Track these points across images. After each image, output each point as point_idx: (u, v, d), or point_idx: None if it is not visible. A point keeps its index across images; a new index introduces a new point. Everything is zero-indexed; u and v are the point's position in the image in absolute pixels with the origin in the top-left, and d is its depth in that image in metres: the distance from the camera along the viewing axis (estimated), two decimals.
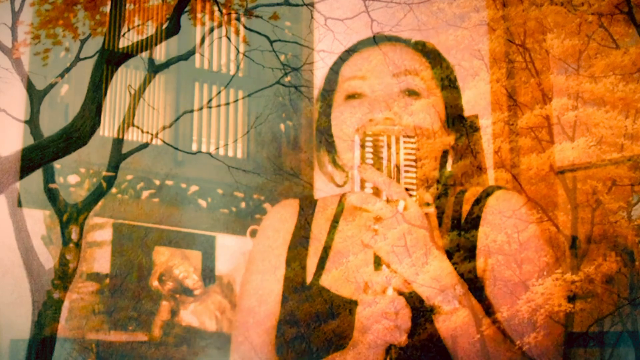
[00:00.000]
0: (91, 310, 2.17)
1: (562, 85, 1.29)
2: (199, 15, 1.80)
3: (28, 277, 1.72)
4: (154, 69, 1.79)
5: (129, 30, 1.73)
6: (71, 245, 1.70)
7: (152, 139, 1.83)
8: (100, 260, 2.23)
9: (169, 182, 2.44)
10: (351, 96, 1.42)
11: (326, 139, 1.48)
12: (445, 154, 1.41)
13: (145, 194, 2.41)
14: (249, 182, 2.37)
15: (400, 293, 1.24)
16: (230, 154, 2.52)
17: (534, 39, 1.34)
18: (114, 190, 2.21)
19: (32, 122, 1.69)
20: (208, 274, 2.43)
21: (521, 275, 1.25)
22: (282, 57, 1.77)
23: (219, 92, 2.40)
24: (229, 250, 2.46)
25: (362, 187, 1.26)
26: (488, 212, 1.33)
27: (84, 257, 2.01)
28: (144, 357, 2.23)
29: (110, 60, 1.62)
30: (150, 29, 1.75)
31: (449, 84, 1.42)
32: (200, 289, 2.39)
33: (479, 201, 1.35)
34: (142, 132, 1.80)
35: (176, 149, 2.35)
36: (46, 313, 1.67)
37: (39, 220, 2.05)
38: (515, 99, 1.35)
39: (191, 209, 2.47)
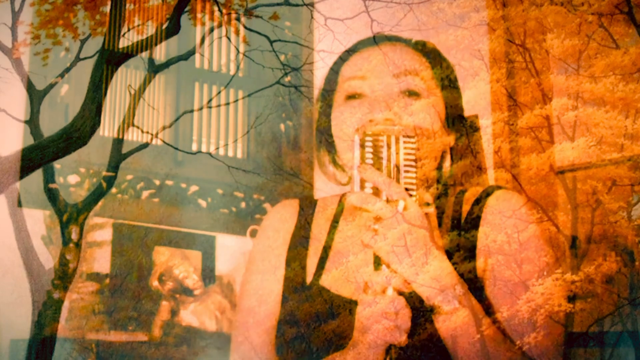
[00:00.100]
0: (91, 310, 2.17)
1: (562, 85, 1.29)
2: (199, 15, 1.80)
3: (28, 277, 1.72)
4: (154, 69, 1.79)
5: (129, 30, 1.73)
6: (71, 245, 1.70)
7: (152, 139, 1.83)
8: (100, 260, 2.23)
9: (169, 182, 2.44)
10: (351, 96, 1.42)
11: (326, 139, 1.48)
12: (445, 154, 1.41)
13: (145, 194, 2.41)
14: (249, 182, 2.37)
15: (400, 293, 1.24)
16: (230, 154, 2.52)
17: (534, 39, 1.34)
18: (114, 190, 2.21)
19: (32, 122, 1.69)
20: (208, 274, 2.43)
21: (521, 275, 1.25)
22: (282, 57, 1.77)
23: (219, 92, 2.40)
24: (229, 250, 2.46)
25: (362, 187, 1.26)
26: (488, 212, 1.33)
27: (84, 257, 2.01)
28: (144, 357, 2.23)
29: (110, 60, 1.62)
30: (150, 29, 1.75)
31: (448, 84, 1.42)
32: (200, 289, 2.39)
33: (479, 201, 1.35)
34: (142, 132, 1.80)
35: (176, 149, 2.35)
36: (46, 313, 1.67)
37: (39, 220, 2.05)
38: (515, 99, 1.35)
39: (191, 209, 2.47)
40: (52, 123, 1.74)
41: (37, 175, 1.67)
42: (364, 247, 1.26)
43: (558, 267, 1.25)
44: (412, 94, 1.39)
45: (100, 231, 2.24)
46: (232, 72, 2.47)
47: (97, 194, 1.74)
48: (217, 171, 2.26)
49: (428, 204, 1.28)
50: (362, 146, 1.28)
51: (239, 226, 2.49)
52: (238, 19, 1.79)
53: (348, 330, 1.28)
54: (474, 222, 1.33)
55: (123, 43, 1.66)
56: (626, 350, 1.32)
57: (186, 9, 1.71)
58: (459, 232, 1.32)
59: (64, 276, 1.69)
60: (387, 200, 1.24)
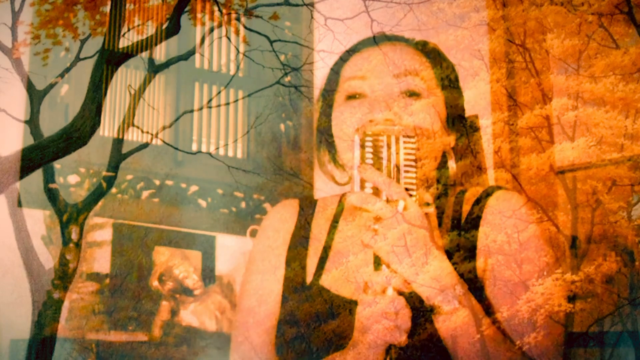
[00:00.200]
0: (91, 310, 2.17)
1: (562, 85, 1.29)
2: (199, 15, 1.80)
3: (28, 277, 1.72)
4: (154, 69, 1.79)
5: (129, 30, 1.73)
6: (71, 245, 1.70)
7: (152, 139, 1.83)
8: (100, 260, 2.23)
9: (169, 182, 2.44)
10: (351, 96, 1.42)
11: (326, 139, 1.48)
12: (445, 154, 1.41)
13: (145, 194, 2.41)
14: (249, 182, 2.37)
15: (400, 293, 1.24)
16: (230, 154, 2.52)
17: (534, 39, 1.34)
18: (114, 190, 2.21)
19: (32, 122, 1.69)
20: (208, 274, 2.43)
21: (521, 275, 1.25)
22: (282, 57, 1.77)
23: (219, 92, 2.40)
24: (229, 250, 2.46)
25: (362, 187, 1.26)
26: (488, 212, 1.33)
27: (84, 257, 2.01)
28: (144, 357, 2.23)
29: (110, 60, 1.62)
30: (150, 29, 1.75)
31: (449, 83, 1.42)
32: (200, 289, 2.39)
33: (479, 201, 1.35)
34: (142, 132, 1.80)
35: (176, 149, 2.35)
36: (46, 313, 1.67)
37: (39, 220, 2.05)
38: (515, 99, 1.35)
39: (191, 209, 2.47)
40: (52, 123, 1.74)
41: (37, 175, 1.67)
42: (364, 247, 1.26)
43: (558, 267, 1.25)
44: (413, 94, 1.39)
45: (100, 231, 2.24)
46: (232, 72, 2.47)
47: (97, 194, 1.74)
48: (217, 171, 2.26)
49: (428, 204, 1.28)
50: (362, 146, 1.28)
51: (239, 226, 2.49)
52: (238, 19, 1.79)
53: (348, 330, 1.28)
54: (474, 222, 1.33)
55: (123, 43, 1.66)
56: (626, 350, 1.32)
57: (186, 9, 1.71)
58: (459, 232, 1.32)
59: (64, 276, 1.69)
60: (387, 200, 1.24)
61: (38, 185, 1.71)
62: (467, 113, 1.42)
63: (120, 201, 2.35)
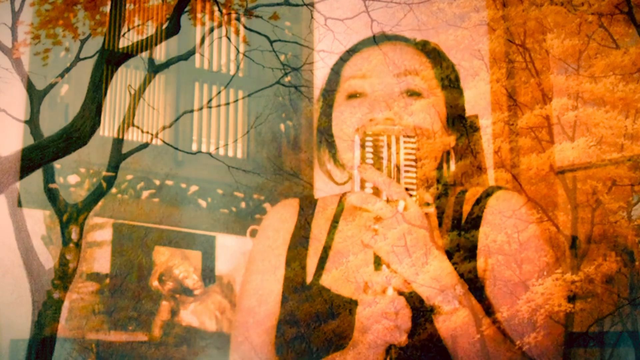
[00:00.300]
0: (91, 310, 2.17)
1: (562, 85, 1.29)
2: (199, 15, 1.80)
3: (28, 277, 1.72)
4: (154, 69, 1.79)
5: (129, 30, 1.73)
6: (71, 245, 1.70)
7: (152, 139, 1.83)
8: (100, 260, 2.23)
9: (169, 182, 2.44)
10: (352, 95, 1.42)
11: (326, 139, 1.48)
12: (445, 154, 1.41)
13: (145, 194, 2.41)
14: (249, 182, 2.37)
15: (400, 293, 1.24)
16: (230, 154, 2.52)
17: (534, 39, 1.34)
18: (114, 190, 2.21)
19: (32, 122, 1.69)
20: (208, 274, 2.43)
21: (521, 275, 1.25)
22: (282, 57, 1.77)
23: (219, 92, 2.40)
24: (229, 250, 2.46)
25: (362, 187, 1.26)
26: (488, 212, 1.32)
27: (84, 257, 2.01)
28: (144, 357, 2.23)
29: (110, 60, 1.62)
30: (150, 29, 1.75)
31: (449, 83, 1.42)
32: (200, 289, 2.39)
33: (479, 201, 1.35)
34: (142, 132, 1.80)
35: (176, 149, 2.35)
36: (46, 313, 1.67)
37: (39, 220, 2.05)
38: (515, 99, 1.35)
39: (191, 209, 2.47)
40: (52, 123, 1.74)
41: (37, 175, 1.67)
42: (364, 247, 1.26)
43: (558, 267, 1.25)
44: (413, 93, 1.39)
45: (100, 231, 2.24)
46: (232, 72, 2.47)
47: (97, 194, 1.74)
48: (217, 171, 2.26)
49: (428, 204, 1.28)
50: (362, 146, 1.28)
51: (239, 226, 2.49)
52: (238, 19, 1.79)
53: (348, 330, 1.28)
54: (474, 222, 1.33)
55: (123, 43, 1.66)
56: (626, 350, 1.32)
57: (186, 9, 1.71)
58: (459, 232, 1.32)
59: (64, 276, 1.69)
60: (387, 200, 1.24)
61: (38, 185, 1.71)
62: (467, 113, 1.42)
63: (120, 201, 2.35)
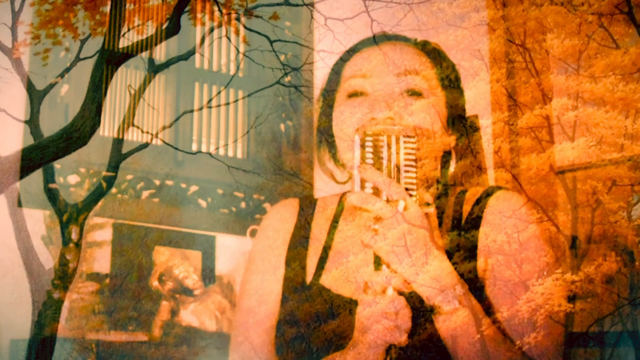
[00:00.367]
0: (91, 310, 2.17)
1: (562, 85, 1.29)
2: (199, 15, 1.80)
3: (28, 277, 1.72)
4: (154, 69, 1.79)
5: (129, 30, 1.73)
6: (71, 245, 1.70)
7: (152, 139, 1.83)
8: (100, 260, 2.23)
9: (169, 182, 2.44)
10: (353, 94, 1.42)
11: (327, 139, 1.48)
12: (446, 154, 1.41)
13: (145, 194, 2.41)
14: (249, 182, 2.37)
15: (400, 293, 1.24)
16: (230, 154, 2.52)
17: (534, 39, 1.34)
18: (114, 190, 2.21)
19: (32, 122, 1.69)
20: (208, 274, 2.43)
21: (521, 275, 1.25)
22: (282, 57, 1.77)
23: (219, 92, 2.40)
24: (229, 250, 2.46)
25: (362, 187, 1.26)
26: (488, 212, 1.33)
27: (84, 257, 2.01)
28: (144, 357, 2.23)
29: (110, 60, 1.62)
30: (150, 29, 1.75)
31: (449, 83, 1.42)
32: (200, 289, 2.39)
33: (480, 201, 1.35)
34: (142, 132, 1.80)
35: (176, 149, 2.35)
36: (46, 313, 1.67)
37: (39, 220, 2.05)
38: (515, 99, 1.35)
39: (191, 209, 2.47)
40: (52, 123, 1.74)
41: (37, 175, 1.67)
42: (364, 247, 1.26)
43: (558, 267, 1.25)
44: (413, 93, 1.39)
45: (100, 231, 2.24)
46: (232, 72, 2.47)
47: (97, 194, 1.74)
48: (217, 171, 2.26)
49: (428, 204, 1.28)
50: (363, 146, 1.28)
51: (239, 226, 2.49)
52: (238, 19, 1.79)
53: (348, 330, 1.28)
54: (474, 222, 1.33)
55: (123, 43, 1.66)
56: (626, 350, 1.32)
57: (186, 9, 1.71)
58: (459, 232, 1.32)
59: (64, 276, 1.69)
60: (387, 200, 1.24)
61: (38, 185, 1.71)
62: (467, 113, 1.42)
63: (120, 201, 2.35)
